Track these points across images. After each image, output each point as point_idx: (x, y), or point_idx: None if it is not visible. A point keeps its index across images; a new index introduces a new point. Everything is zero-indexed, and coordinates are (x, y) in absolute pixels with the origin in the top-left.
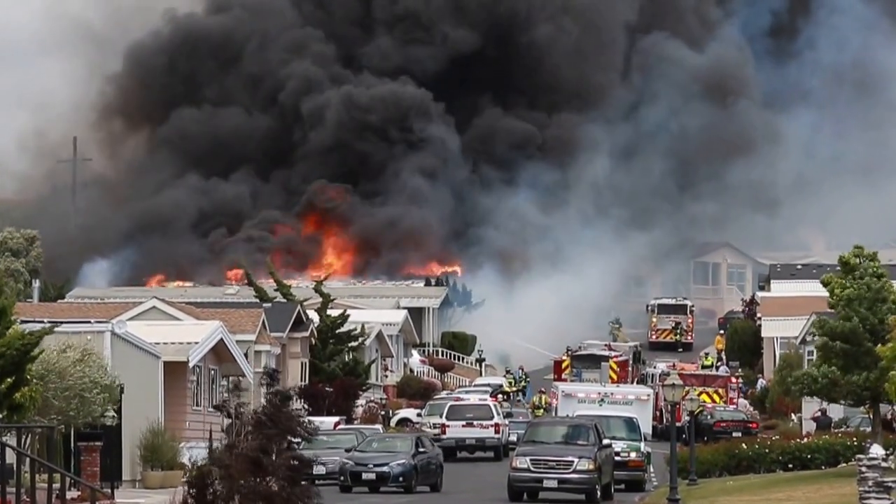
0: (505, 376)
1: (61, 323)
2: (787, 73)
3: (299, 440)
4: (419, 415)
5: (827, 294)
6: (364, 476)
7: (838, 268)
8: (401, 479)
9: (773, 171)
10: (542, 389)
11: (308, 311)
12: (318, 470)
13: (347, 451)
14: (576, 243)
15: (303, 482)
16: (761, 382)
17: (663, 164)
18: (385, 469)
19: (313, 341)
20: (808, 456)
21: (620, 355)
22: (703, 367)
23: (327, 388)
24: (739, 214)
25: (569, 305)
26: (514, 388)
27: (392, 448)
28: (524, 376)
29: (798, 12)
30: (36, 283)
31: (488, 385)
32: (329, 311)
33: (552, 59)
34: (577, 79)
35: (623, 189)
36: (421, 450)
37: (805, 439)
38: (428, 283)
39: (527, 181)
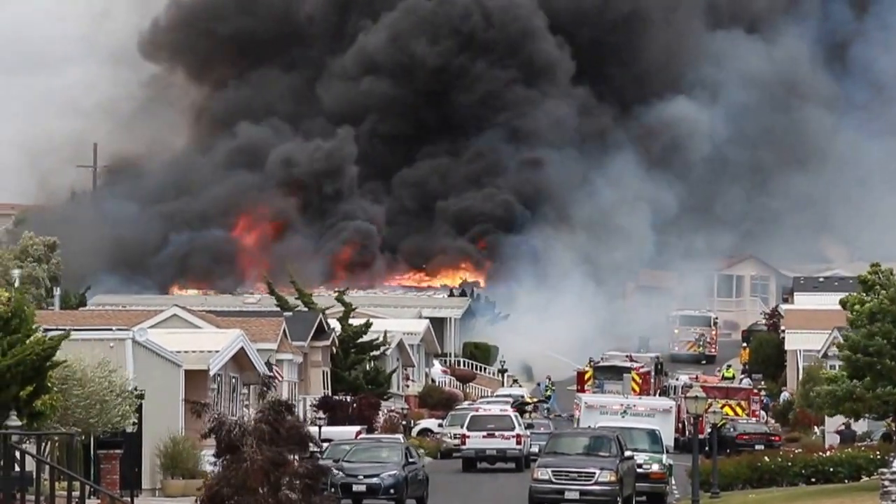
0: (513, 385)
1: (82, 331)
2: (839, 86)
3: (318, 449)
4: (440, 425)
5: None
6: (355, 488)
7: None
8: (392, 490)
9: (813, 182)
10: None
11: (330, 320)
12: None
13: (336, 461)
14: (601, 252)
15: (323, 491)
16: (785, 395)
17: (706, 169)
18: (376, 481)
19: (335, 350)
20: (831, 469)
21: (643, 367)
22: (724, 378)
23: (347, 398)
24: (765, 226)
25: (591, 316)
26: (536, 399)
27: (380, 458)
28: (550, 385)
29: (853, 27)
30: (57, 291)
31: (510, 396)
32: (350, 321)
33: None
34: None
35: (658, 195)
36: (410, 460)
37: (828, 452)
38: (451, 294)
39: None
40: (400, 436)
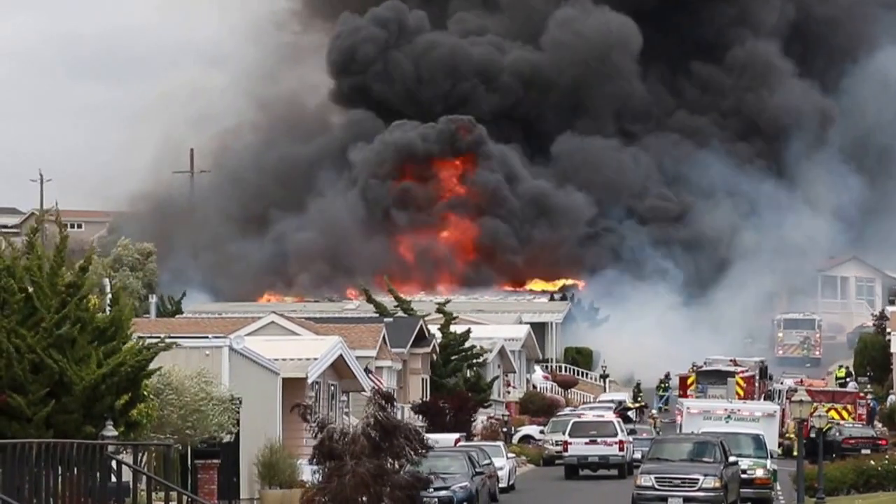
0: (636, 390)
1: (178, 339)
2: None
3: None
4: (542, 432)
5: None
6: (424, 501)
7: None
8: None
9: None
10: None
11: (429, 326)
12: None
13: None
14: (701, 254)
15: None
16: (892, 398)
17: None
18: (447, 493)
19: (435, 357)
20: None
21: (747, 371)
22: (837, 378)
23: (443, 404)
24: (868, 225)
25: (696, 320)
26: (639, 404)
27: (445, 469)
28: (666, 384)
29: None
30: (153, 298)
31: (612, 401)
32: (451, 328)
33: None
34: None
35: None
36: (478, 470)
37: None
38: (551, 298)
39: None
40: (500, 443)
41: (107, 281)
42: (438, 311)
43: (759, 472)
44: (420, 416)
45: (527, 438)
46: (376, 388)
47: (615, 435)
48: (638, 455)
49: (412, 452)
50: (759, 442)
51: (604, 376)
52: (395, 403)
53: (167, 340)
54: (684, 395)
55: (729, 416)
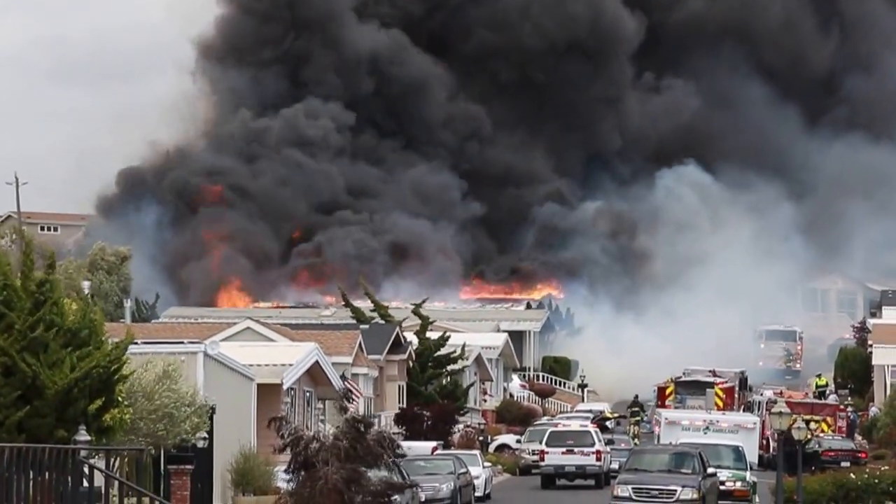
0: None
1: (153, 344)
2: None
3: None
4: (518, 441)
5: None
6: None
7: None
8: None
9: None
10: None
11: (406, 334)
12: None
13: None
14: (686, 264)
15: None
16: (874, 411)
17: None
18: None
19: (411, 364)
20: None
21: (726, 382)
22: (817, 386)
23: (424, 413)
24: (851, 238)
25: (677, 330)
26: (617, 414)
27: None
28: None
29: None
30: (127, 303)
31: (590, 411)
32: (428, 334)
33: None
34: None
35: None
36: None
37: None
38: (529, 307)
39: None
40: (476, 452)
41: (86, 283)
42: (414, 312)
43: (738, 484)
44: (399, 425)
45: (503, 447)
46: (352, 396)
47: (592, 445)
48: (615, 465)
49: (386, 458)
50: (738, 453)
51: (582, 386)
52: (371, 425)
53: (136, 340)
54: (663, 406)
55: (707, 428)
